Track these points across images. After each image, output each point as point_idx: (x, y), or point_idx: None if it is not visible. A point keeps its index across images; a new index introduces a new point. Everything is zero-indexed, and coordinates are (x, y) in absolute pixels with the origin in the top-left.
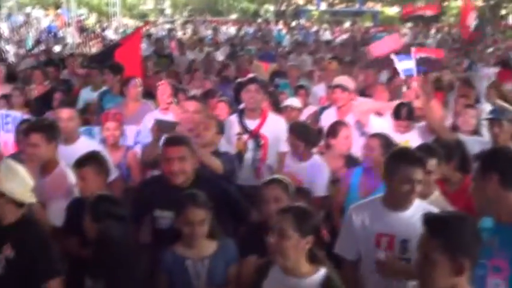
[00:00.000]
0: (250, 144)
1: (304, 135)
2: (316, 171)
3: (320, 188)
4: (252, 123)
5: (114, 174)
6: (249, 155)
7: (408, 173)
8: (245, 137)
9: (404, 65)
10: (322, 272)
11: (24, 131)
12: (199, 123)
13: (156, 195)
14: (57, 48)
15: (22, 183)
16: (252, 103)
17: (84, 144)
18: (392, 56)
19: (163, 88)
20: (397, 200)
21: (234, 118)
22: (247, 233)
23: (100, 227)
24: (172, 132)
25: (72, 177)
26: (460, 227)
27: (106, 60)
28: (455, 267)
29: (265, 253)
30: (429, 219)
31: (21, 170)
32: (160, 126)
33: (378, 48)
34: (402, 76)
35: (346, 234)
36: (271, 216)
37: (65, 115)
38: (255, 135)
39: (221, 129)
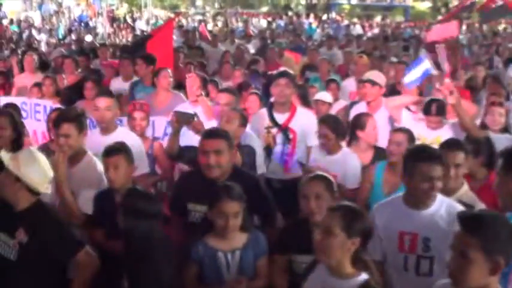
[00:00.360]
0: (279, 138)
1: (337, 127)
2: (348, 163)
3: (353, 180)
4: (281, 117)
5: (145, 168)
6: (277, 149)
7: (427, 171)
8: (274, 130)
9: (417, 72)
10: (362, 276)
11: (55, 121)
12: (222, 116)
13: (191, 188)
14: (88, 38)
15: (40, 172)
16: (281, 97)
17: (122, 135)
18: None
19: (192, 80)
20: (417, 198)
21: (263, 111)
22: (290, 227)
23: (126, 224)
24: (190, 123)
25: (100, 166)
26: (495, 225)
27: (138, 51)
28: (491, 265)
29: (306, 248)
30: (464, 217)
31: (43, 160)
32: (179, 118)
33: (434, 34)
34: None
35: None
36: (312, 213)
37: (103, 104)
38: (284, 129)
39: (245, 122)
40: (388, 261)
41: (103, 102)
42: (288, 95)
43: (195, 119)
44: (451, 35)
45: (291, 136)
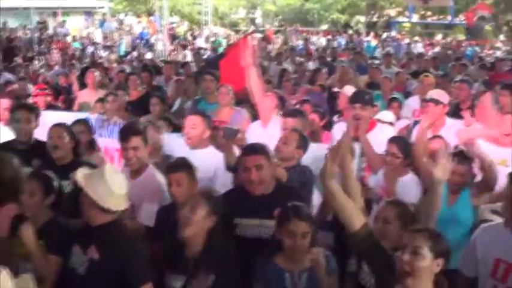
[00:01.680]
0: (357, 151)
1: (406, 148)
2: (411, 187)
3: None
4: None
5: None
6: (354, 163)
7: None
8: (356, 147)
9: None
10: None
11: (122, 134)
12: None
13: (236, 203)
14: (148, 55)
15: (109, 190)
16: (360, 123)
17: (210, 153)
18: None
19: (270, 99)
20: None
21: (342, 125)
22: None
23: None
24: (233, 138)
25: (161, 179)
26: None
27: (212, 69)
28: None
29: None
30: None
31: (113, 177)
32: (225, 133)
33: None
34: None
35: (469, 252)
36: (380, 238)
37: (190, 122)
38: None
39: (304, 143)
40: (480, 282)
41: (190, 120)
42: (366, 118)
43: (239, 135)
44: None
45: None
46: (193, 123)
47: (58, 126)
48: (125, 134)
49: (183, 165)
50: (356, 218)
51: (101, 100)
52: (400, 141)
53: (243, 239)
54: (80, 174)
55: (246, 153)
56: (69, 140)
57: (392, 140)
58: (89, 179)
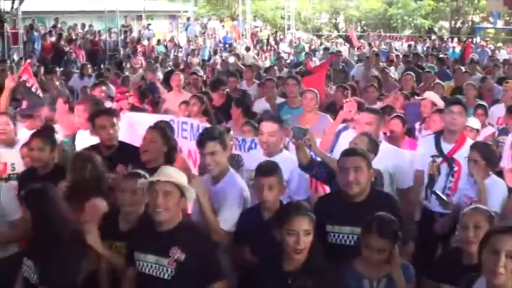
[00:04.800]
0: (444, 169)
1: (488, 154)
2: (493, 189)
3: (494, 207)
4: (447, 147)
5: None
6: (440, 181)
7: None
8: (439, 160)
9: None
10: None
11: (200, 140)
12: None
13: (329, 209)
14: (231, 60)
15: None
16: (453, 125)
17: (285, 157)
18: None
19: (350, 105)
20: None
21: (431, 138)
22: (443, 255)
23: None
24: (302, 138)
25: (243, 184)
26: None
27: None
28: None
29: (454, 277)
30: None
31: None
32: (294, 133)
33: None
34: None
35: None
36: (469, 242)
37: (268, 129)
38: (449, 159)
39: (373, 147)
40: None
41: (267, 127)
42: (460, 124)
43: (307, 134)
44: None
45: (455, 168)
46: (272, 131)
47: (153, 129)
48: (201, 140)
49: (275, 170)
50: None
51: (185, 103)
52: (482, 147)
53: (334, 246)
54: (163, 173)
55: (345, 154)
56: (162, 144)
57: (474, 147)
58: (178, 176)
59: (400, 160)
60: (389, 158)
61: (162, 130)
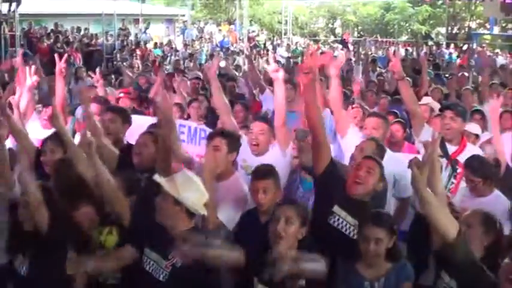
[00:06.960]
0: (446, 170)
1: (482, 171)
2: (497, 207)
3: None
4: (451, 149)
5: None
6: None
7: None
8: (443, 161)
9: None
10: None
11: (208, 136)
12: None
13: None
14: (222, 64)
15: (198, 194)
16: (446, 130)
17: (273, 155)
18: None
19: (355, 112)
20: None
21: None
22: None
23: None
24: (304, 140)
25: (246, 188)
26: None
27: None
28: None
29: None
30: None
31: (198, 181)
32: (296, 134)
33: None
34: None
35: None
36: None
37: (258, 128)
38: (453, 160)
39: (380, 152)
40: None
41: (257, 126)
42: (454, 128)
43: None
44: None
45: (458, 170)
46: (262, 129)
47: (145, 134)
48: (209, 135)
49: (271, 173)
50: (452, 225)
51: (178, 105)
52: (472, 164)
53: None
54: (163, 181)
55: (364, 157)
56: (154, 149)
57: (466, 165)
58: (178, 185)
59: (405, 168)
60: (395, 164)
61: (154, 135)
